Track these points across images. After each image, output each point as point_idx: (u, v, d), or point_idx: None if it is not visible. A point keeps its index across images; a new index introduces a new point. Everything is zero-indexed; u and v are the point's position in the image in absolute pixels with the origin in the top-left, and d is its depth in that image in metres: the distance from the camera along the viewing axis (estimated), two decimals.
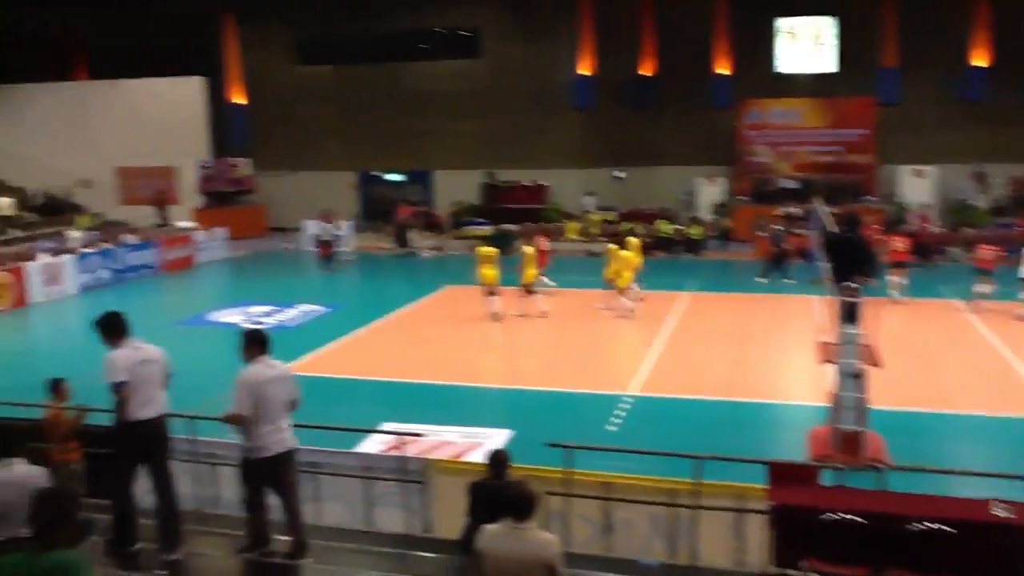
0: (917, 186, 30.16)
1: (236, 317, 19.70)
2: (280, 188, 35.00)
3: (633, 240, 20.71)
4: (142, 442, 7.29)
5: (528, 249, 19.88)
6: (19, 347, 19.19)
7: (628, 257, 19.32)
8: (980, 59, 29.72)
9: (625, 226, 28.61)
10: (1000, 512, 6.82)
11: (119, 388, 7.08)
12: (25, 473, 5.76)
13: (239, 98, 35.59)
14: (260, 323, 19.03)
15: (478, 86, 34.07)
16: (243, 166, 35.09)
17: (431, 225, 30.10)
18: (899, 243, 21.06)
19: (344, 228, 29.51)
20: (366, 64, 34.98)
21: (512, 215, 30.62)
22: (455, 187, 33.62)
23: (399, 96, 34.64)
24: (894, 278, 20.14)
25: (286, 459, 7.47)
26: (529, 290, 19.28)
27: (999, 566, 6.70)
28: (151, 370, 7.29)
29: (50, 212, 30.61)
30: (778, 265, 23.69)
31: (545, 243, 21.87)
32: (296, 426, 8.99)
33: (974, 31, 29.55)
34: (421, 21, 34.14)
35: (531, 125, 33.58)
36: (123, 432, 7.23)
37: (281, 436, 7.39)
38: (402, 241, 29.33)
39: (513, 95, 33.61)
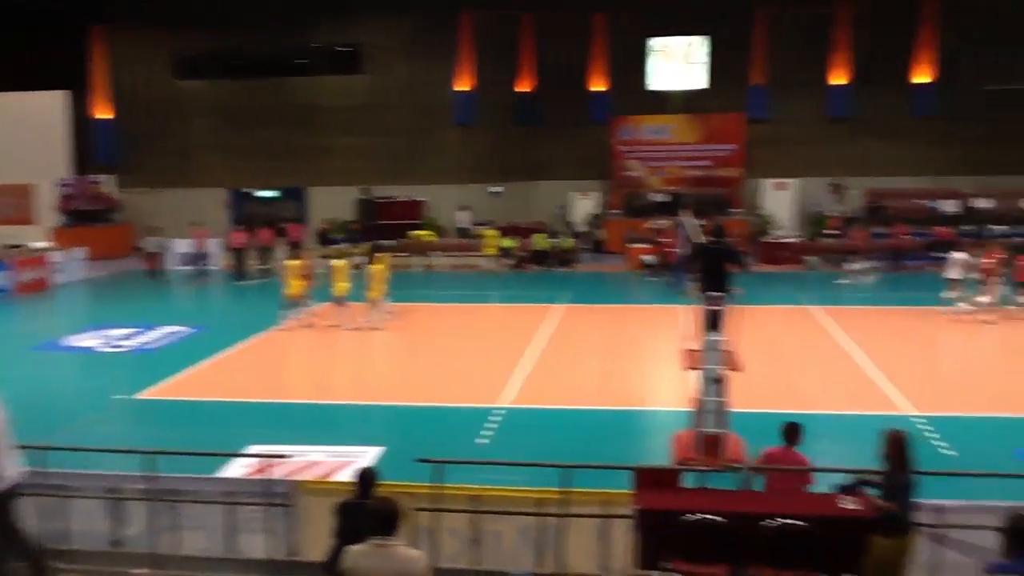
0: (779, 198, 31.49)
1: (94, 341, 18.87)
2: (149, 205, 33.74)
3: (383, 256, 21.30)
4: None
5: (339, 262, 20.44)
6: None
7: (380, 271, 20.03)
8: (842, 77, 31.38)
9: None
10: (847, 505, 7.15)
11: None
12: None
13: (105, 112, 34.21)
14: (120, 346, 18.34)
15: (358, 102, 33.79)
16: (106, 183, 33.69)
17: (294, 244, 29.15)
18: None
19: (213, 246, 28.69)
20: (244, 79, 34.23)
21: (388, 231, 30.40)
22: (330, 204, 33.19)
23: (278, 112, 34.02)
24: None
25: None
26: (375, 304, 19.87)
27: (849, 556, 7.02)
28: None
29: None
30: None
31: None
32: (155, 452, 8.70)
33: (836, 50, 31.21)
34: (302, 36, 33.69)
35: (411, 141, 33.56)
36: None
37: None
38: (241, 266, 28.33)
39: (393, 111, 33.49)
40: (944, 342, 18.79)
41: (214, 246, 30.01)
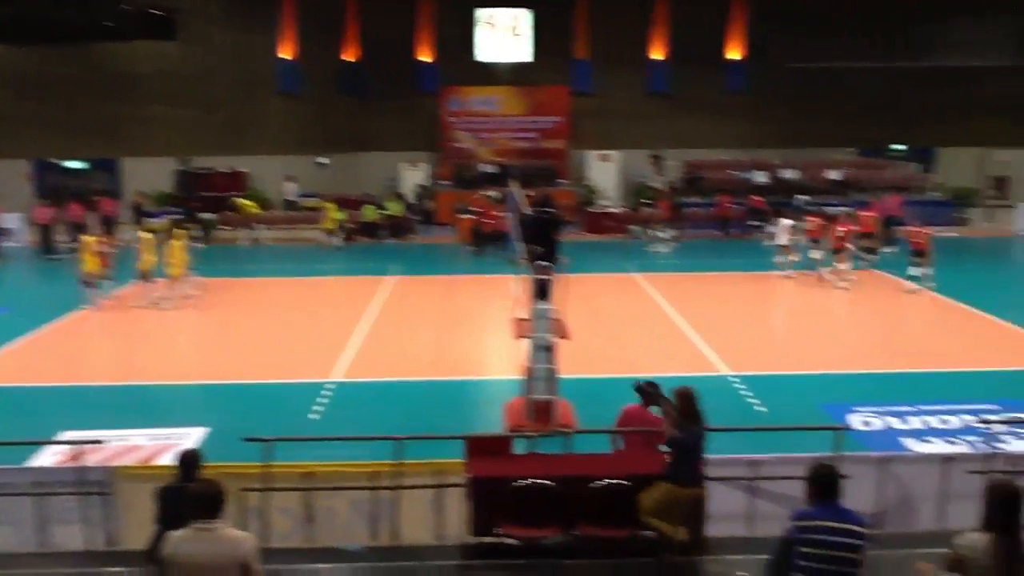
0: (603, 170, 32.40)
1: None
2: None
3: (180, 231, 20.67)
4: None
5: (145, 235, 19.81)
6: None
7: (179, 247, 19.35)
8: (659, 53, 32.51)
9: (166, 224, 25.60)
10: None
11: None
12: None
13: None
14: None
15: (174, 69, 31.98)
16: None
17: (106, 220, 27.47)
18: None
19: (14, 221, 26.74)
20: (47, 44, 31.71)
21: (209, 204, 29.16)
22: (147, 175, 31.45)
23: (87, 80, 31.73)
24: None
25: None
26: (176, 281, 19.29)
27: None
28: None
29: None
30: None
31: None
32: None
33: (655, 27, 32.24)
34: None
35: (233, 110, 32.14)
36: None
37: None
38: (47, 243, 26.37)
39: (213, 79, 31.93)
40: (765, 305, 19.91)
41: (15, 221, 27.92)
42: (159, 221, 27.61)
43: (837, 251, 20.77)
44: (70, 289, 19.12)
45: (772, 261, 22.15)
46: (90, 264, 18.85)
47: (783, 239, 21.85)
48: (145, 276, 19.12)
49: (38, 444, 10.16)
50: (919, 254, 20.13)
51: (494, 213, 25.98)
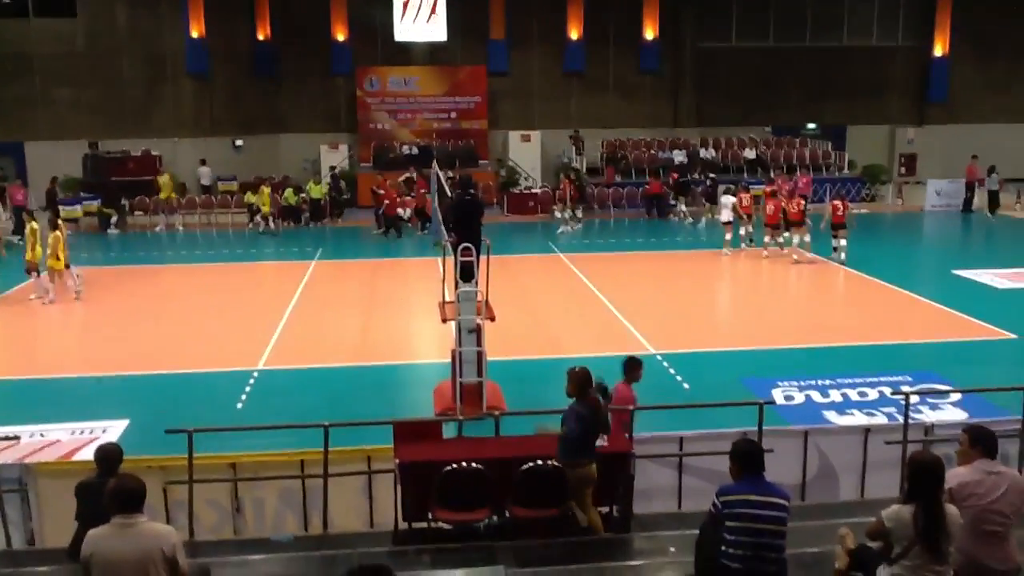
0: (525, 150, 32.43)
1: None
2: None
3: (61, 222, 19.37)
4: None
5: (32, 225, 18.36)
6: None
7: (60, 238, 18.00)
8: (575, 33, 32.65)
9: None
10: (599, 442, 7.57)
11: None
12: None
13: None
14: None
15: (76, 49, 30.88)
16: None
17: (17, 210, 26.22)
18: None
19: None
20: None
21: (121, 189, 28.26)
22: (54, 160, 30.28)
23: None
24: None
25: None
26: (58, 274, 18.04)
27: (601, 491, 7.47)
28: None
29: None
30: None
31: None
32: None
33: (570, 6, 32.33)
34: None
35: (141, 92, 31.19)
36: None
37: None
38: None
39: (118, 59, 30.93)
40: (689, 283, 20.21)
41: None
42: (74, 208, 26.70)
43: (794, 224, 21.04)
44: None
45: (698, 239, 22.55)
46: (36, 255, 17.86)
47: (726, 216, 22.31)
48: (34, 269, 17.93)
49: None
50: (838, 227, 20.73)
51: (395, 195, 25.88)
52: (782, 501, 5.45)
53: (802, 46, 34.25)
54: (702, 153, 32.06)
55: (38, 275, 17.89)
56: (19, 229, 23.48)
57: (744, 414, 8.69)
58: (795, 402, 11.83)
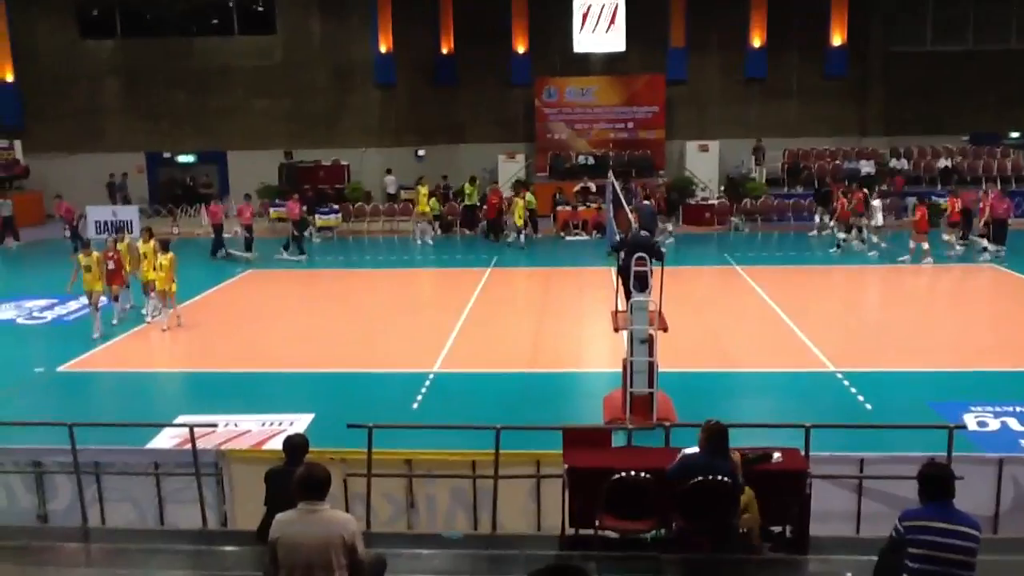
0: (702, 160, 31.89)
1: (11, 312, 18.26)
2: (59, 172, 32.46)
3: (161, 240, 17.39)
4: None
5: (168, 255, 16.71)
6: None
7: (173, 260, 16.58)
8: (757, 39, 31.81)
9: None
10: (775, 458, 7.37)
11: None
12: None
13: (6, 74, 32.74)
14: (39, 318, 17.81)
15: (274, 63, 33.05)
16: (13, 149, 32.33)
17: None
18: None
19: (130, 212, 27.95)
20: (155, 38, 33.15)
21: (313, 196, 29.84)
22: (252, 168, 32.42)
23: (191, 72, 33.03)
24: None
25: None
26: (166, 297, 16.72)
27: (774, 509, 7.24)
28: None
29: None
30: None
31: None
32: (80, 424, 8.51)
33: (752, 13, 31.56)
34: None
35: (331, 103, 33.03)
36: None
37: None
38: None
39: (311, 72, 32.87)
40: (870, 299, 19.34)
41: (132, 213, 29.19)
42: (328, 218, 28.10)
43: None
44: (190, 277, 19.79)
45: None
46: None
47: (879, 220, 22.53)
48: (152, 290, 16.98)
49: (157, 426, 10.66)
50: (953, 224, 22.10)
51: (494, 201, 26.40)
52: (972, 531, 5.15)
53: (1005, 48, 31.97)
54: (892, 163, 30.52)
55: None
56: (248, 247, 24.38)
57: (931, 438, 8.22)
58: (989, 428, 11.06)
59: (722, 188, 30.50)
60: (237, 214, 25.45)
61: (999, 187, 25.81)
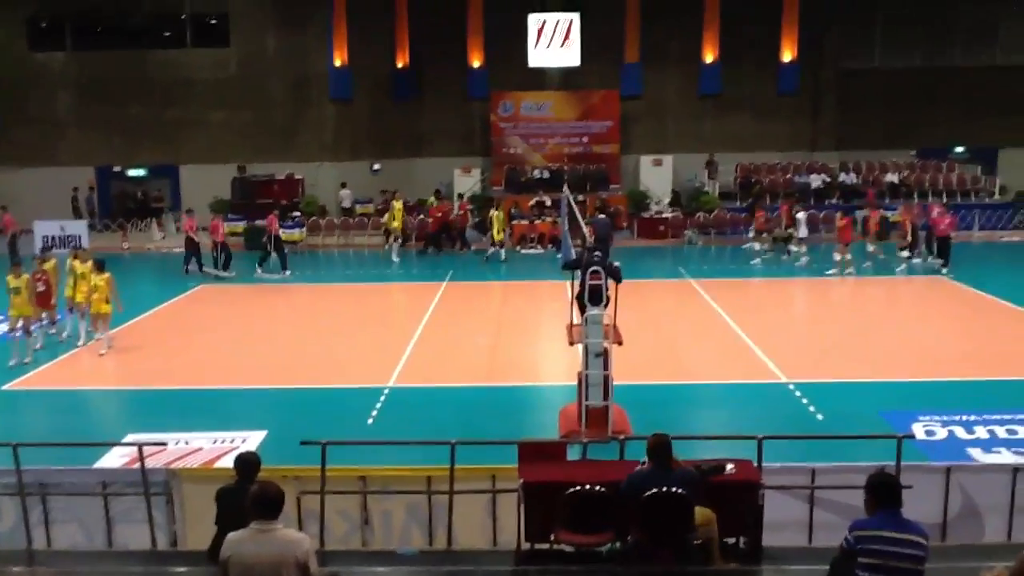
0: (656, 174, 32.18)
1: None
2: (8, 185, 31.78)
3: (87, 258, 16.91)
4: None
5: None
6: None
7: (110, 280, 15.88)
8: (711, 55, 32.22)
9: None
10: (728, 469, 7.43)
11: None
12: None
13: None
14: None
15: (228, 76, 32.79)
16: None
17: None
18: None
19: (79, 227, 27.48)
20: (106, 50, 32.72)
21: (266, 210, 29.57)
22: (205, 182, 32.07)
23: (143, 85, 32.62)
24: None
25: None
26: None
27: (728, 520, 7.29)
28: None
29: None
30: None
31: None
32: (24, 444, 8.31)
33: (706, 29, 31.98)
34: (165, 6, 32.44)
35: (286, 116, 32.83)
36: None
37: None
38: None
39: (266, 86, 32.68)
40: (821, 310, 19.63)
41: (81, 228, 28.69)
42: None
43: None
44: (138, 294, 19.51)
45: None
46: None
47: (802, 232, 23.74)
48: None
49: (105, 445, 10.45)
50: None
51: (438, 214, 26.86)
52: (920, 539, 5.22)
53: (952, 65, 32.75)
54: (841, 177, 31.07)
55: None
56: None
57: (881, 448, 8.35)
58: (937, 437, 11.26)
59: (667, 202, 30.77)
60: (211, 231, 24.55)
61: (943, 202, 26.38)
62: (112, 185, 34.10)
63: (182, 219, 26.76)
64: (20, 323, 15.42)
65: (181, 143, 32.67)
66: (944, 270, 22.17)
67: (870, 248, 23.43)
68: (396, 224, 26.55)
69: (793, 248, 24.66)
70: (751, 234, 26.39)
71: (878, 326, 17.86)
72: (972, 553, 7.36)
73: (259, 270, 23.73)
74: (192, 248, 23.90)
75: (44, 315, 16.49)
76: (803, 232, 24.32)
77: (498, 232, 25.39)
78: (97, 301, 15.63)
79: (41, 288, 15.99)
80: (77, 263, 16.70)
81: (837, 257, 22.43)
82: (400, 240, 26.67)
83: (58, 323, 17.00)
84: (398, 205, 27.01)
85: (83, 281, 16.24)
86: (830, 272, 22.33)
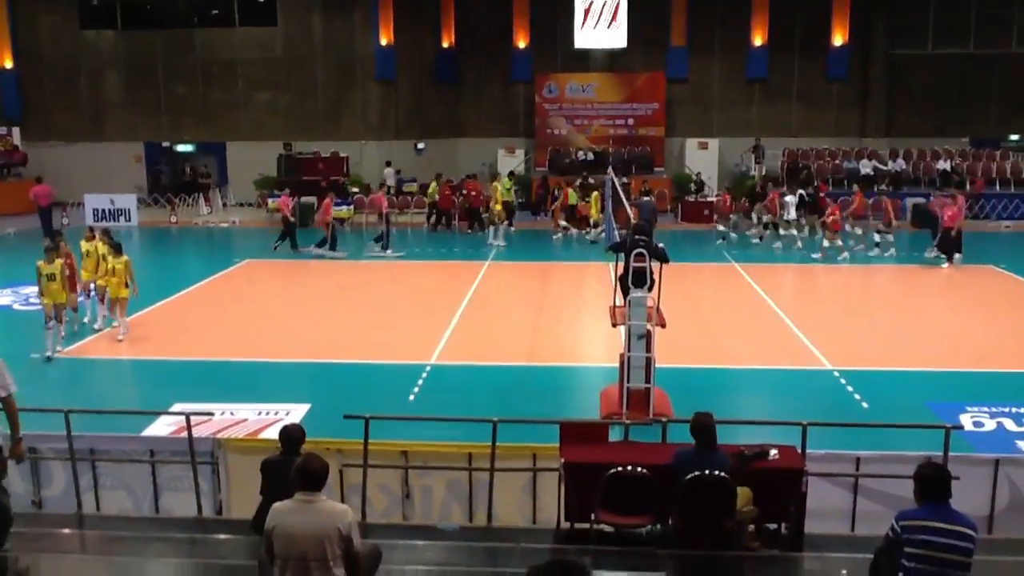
0: (702, 158, 31.90)
1: (6, 299, 18.22)
2: (58, 161, 32.42)
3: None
4: None
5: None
6: None
7: (128, 264, 15.14)
8: (759, 39, 31.80)
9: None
10: (772, 455, 7.37)
11: None
12: None
13: (6, 63, 32.68)
14: (36, 304, 17.70)
15: (275, 55, 33.03)
16: (11, 137, 32.28)
17: None
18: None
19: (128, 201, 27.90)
20: (155, 29, 33.11)
21: (311, 188, 29.78)
22: (251, 159, 32.39)
23: (191, 64, 33.07)
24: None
25: None
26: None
27: (770, 506, 7.24)
28: None
29: None
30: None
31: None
32: (75, 411, 8.49)
33: (755, 12, 31.54)
34: None
35: (331, 96, 33.02)
36: None
37: None
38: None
39: (312, 65, 32.86)
40: (870, 298, 19.34)
41: (130, 202, 29.16)
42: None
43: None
44: (185, 267, 19.82)
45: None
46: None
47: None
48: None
49: (153, 414, 10.64)
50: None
51: (447, 192, 26.82)
52: (968, 531, 5.14)
53: (1007, 52, 31.97)
54: (890, 164, 30.53)
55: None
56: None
57: (928, 438, 8.21)
58: (985, 429, 11.07)
59: (726, 185, 30.30)
60: (281, 207, 24.34)
61: (949, 191, 25.02)
62: (160, 160, 34.55)
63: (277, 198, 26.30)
64: (57, 311, 14.35)
65: (227, 121, 33.00)
66: (945, 264, 21.33)
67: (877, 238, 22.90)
68: (497, 207, 25.44)
69: (782, 232, 24.44)
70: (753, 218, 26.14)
71: (926, 315, 17.57)
72: (1020, 547, 7.25)
73: (319, 249, 23.42)
74: (287, 227, 23.77)
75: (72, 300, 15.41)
76: (791, 215, 24.31)
77: (497, 203, 25.29)
78: (116, 285, 14.82)
79: (67, 273, 14.85)
80: (85, 243, 16.06)
81: (827, 243, 22.45)
82: (507, 223, 25.64)
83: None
84: (501, 186, 26.32)
85: (88, 259, 15.70)
86: (815, 256, 22.42)
